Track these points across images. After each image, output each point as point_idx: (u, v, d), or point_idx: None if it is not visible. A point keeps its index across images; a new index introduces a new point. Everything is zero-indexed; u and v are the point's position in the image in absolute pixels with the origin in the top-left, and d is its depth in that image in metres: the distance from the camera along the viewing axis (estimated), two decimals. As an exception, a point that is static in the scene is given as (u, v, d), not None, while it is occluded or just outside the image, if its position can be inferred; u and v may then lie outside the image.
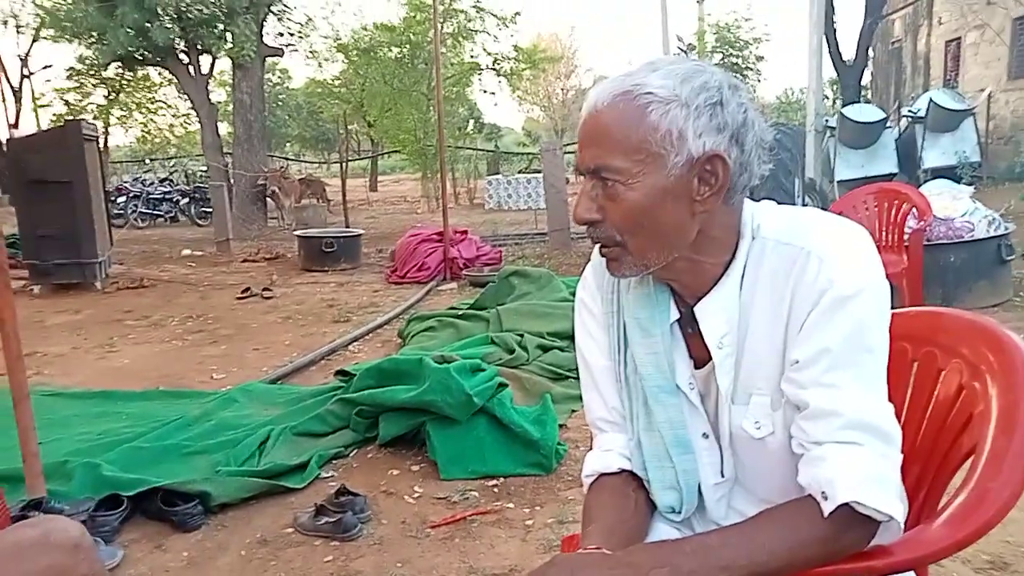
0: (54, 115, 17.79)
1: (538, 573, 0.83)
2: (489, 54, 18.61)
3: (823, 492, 0.85)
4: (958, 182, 5.72)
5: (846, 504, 0.83)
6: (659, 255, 0.92)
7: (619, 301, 1.03)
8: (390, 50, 17.24)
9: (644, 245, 0.91)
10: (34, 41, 17.73)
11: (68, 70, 16.76)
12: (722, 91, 0.88)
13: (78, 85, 17.44)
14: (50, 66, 18.57)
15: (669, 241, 0.91)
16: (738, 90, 0.89)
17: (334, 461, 2.89)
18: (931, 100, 10.83)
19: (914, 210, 3.82)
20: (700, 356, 1.00)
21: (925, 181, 7.02)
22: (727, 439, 0.99)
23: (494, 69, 18.82)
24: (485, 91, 20.15)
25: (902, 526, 0.87)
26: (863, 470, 0.85)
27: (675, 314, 1.00)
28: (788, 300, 0.91)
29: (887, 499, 0.84)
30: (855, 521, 0.85)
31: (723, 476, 1.02)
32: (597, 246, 0.98)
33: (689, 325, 0.99)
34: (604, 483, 1.05)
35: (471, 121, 26.89)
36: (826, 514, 0.85)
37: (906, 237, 3.84)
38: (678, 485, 1.01)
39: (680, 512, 1.03)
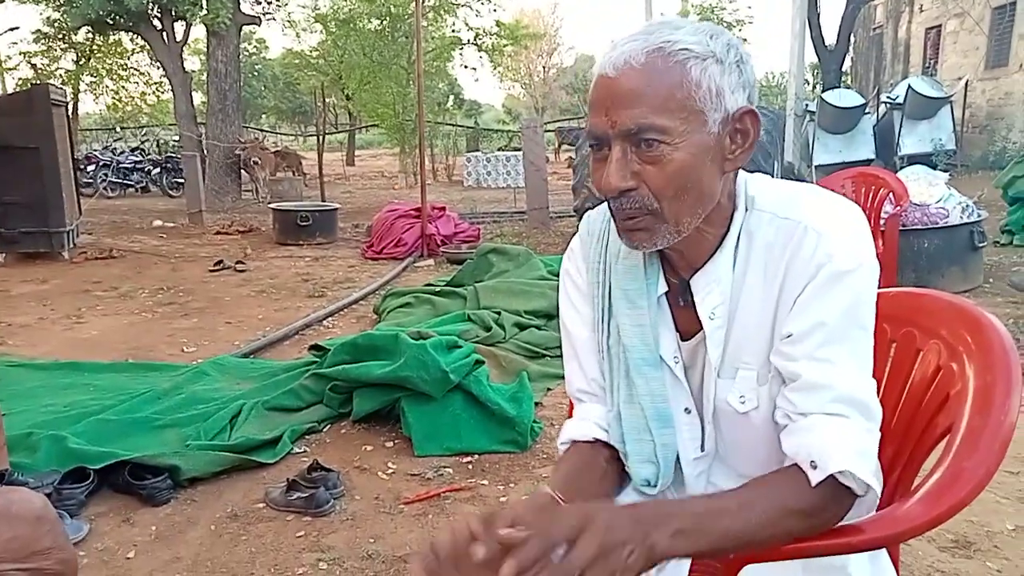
0: (20, 79, 17.26)
1: (549, 512, 0.79)
2: (471, 28, 18.44)
3: (812, 461, 0.84)
4: (934, 169, 5.77)
5: (831, 475, 0.83)
6: (693, 219, 0.89)
7: (606, 272, 1.02)
8: (370, 21, 16.98)
9: (682, 210, 0.87)
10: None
11: (35, 33, 16.24)
12: (741, 50, 0.87)
13: (46, 49, 16.90)
14: (16, 28, 17.96)
15: (704, 203, 0.89)
16: (746, 51, 0.90)
17: (307, 436, 2.87)
18: (910, 87, 10.93)
19: (891, 195, 3.85)
20: (687, 329, 0.98)
21: (902, 167, 7.10)
22: (710, 413, 0.98)
23: (475, 44, 18.65)
24: (466, 66, 19.97)
25: (877, 503, 0.87)
26: (851, 442, 0.84)
27: (663, 287, 0.98)
28: (782, 274, 0.89)
29: (870, 472, 0.84)
30: (839, 493, 0.84)
31: (703, 451, 1.01)
32: (585, 217, 0.96)
33: (679, 296, 0.97)
34: (576, 448, 1.05)
35: (451, 97, 26.65)
36: (814, 483, 0.84)
37: (882, 222, 3.87)
38: (656, 459, 1.01)
39: (655, 486, 1.03)
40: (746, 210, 0.93)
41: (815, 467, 0.84)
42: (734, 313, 0.93)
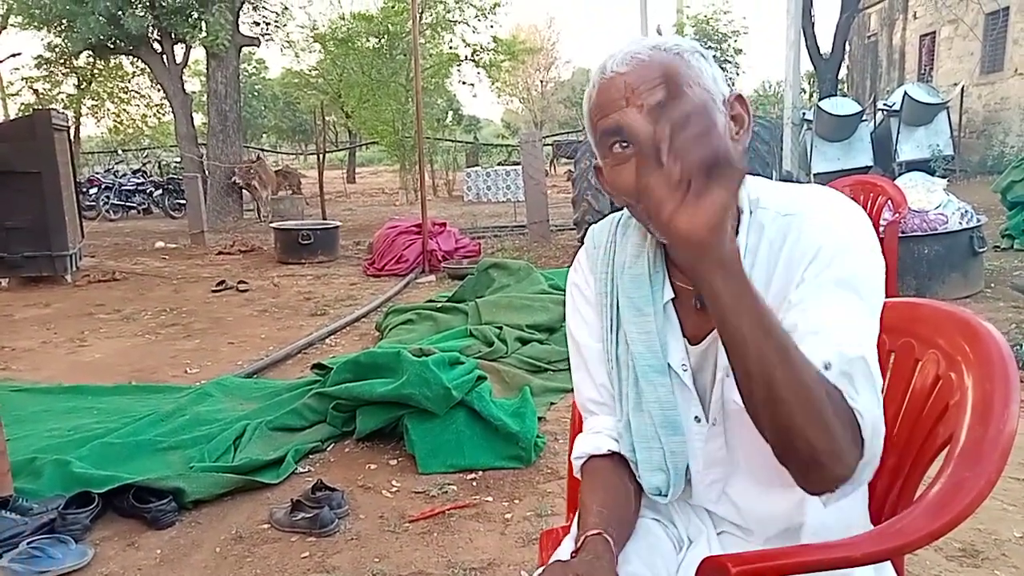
0: (22, 104, 17.43)
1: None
2: (468, 45, 18.59)
3: (826, 363, 0.81)
4: (932, 175, 5.78)
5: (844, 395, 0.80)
6: None
7: (613, 282, 1.03)
8: (368, 40, 17.12)
9: None
10: (1, 29, 17.29)
11: (37, 58, 16.40)
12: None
13: (48, 74, 17.08)
14: (18, 54, 18.16)
15: None
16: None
17: (311, 456, 2.86)
18: (906, 94, 10.97)
19: (889, 202, 3.85)
20: (695, 334, 0.99)
21: (900, 174, 7.11)
22: (720, 416, 0.98)
23: (473, 60, 18.78)
24: (464, 82, 20.11)
25: (871, 458, 0.83)
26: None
27: (669, 293, 0.99)
28: (783, 266, 0.90)
29: (873, 399, 0.82)
30: (853, 421, 0.81)
31: (707, 457, 1.01)
32: (589, 231, 0.99)
33: (687, 301, 0.99)
34: (595, 466, 1.05)
35: (450, 113, 26.77)
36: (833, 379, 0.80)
37: (881, 229, 3.87)
38: (666, 467, 1.01)
39: (667, 495, 1.02)
40: (750, 212, 0.94)
41: (828, 367, 0.80)
42: None
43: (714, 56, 0.96)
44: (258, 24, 15.09)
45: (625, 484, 1.03)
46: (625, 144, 0.88)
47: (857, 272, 0.86)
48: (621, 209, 1.02)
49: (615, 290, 1.03)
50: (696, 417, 1.00)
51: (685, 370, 0.99)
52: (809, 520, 0.97)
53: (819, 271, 0.87)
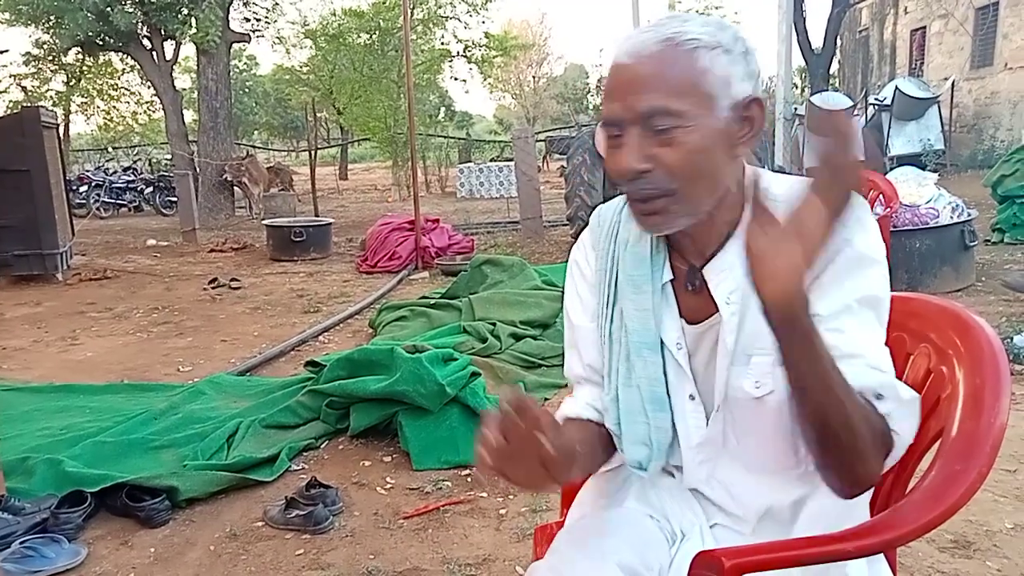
0: (10, 102, 17.25)
1: None
2: (460, 41, 18.55)
3: (878, 393, 0.85)
4: (923, 169, 5.81)
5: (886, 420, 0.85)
6: (708, 202, 0.91)
7: (614, 260, 1.05)
8: (359, 36, 17.06)
9: (699, 191, 0.90)
10: (-11, 25, 17.13)
11: (25, 55, 16.24)
12: (747, 42, 0.91)
13: (36, 71, 16.90)
14: (6, 51, 17.95)
15: (717, 187, 0.91)
16: (752, 44, 0.93)
17: (304, 453, 2.86)
18: (897, 88, 11.02)
19: (881, 197, 3.87)
20: (693, 316, 1.00)
21: (891, 168, 7.14)
22: (719, 399, 0.98)
23: (465, 56, 18.75)
24: (456, 78, 20.08)
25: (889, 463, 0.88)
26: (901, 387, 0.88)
27: (668, 274, 1.00)
28: None
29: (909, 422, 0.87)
30: (885, 438, 0.86)
31: (704, 438, 1.01)
32: (596, 210, 1.00)
33: (687, 282, 0.99)
34: (569, 422, 1.08)
35: (442, 109, 26.72)
36: (882, 411, 0.86)
37: (873, 223, 3.89)
38: (649, 441, 1.02)
39: (647, 469, 1.04)
40: None
41: (880, 398, 0.85)
42: (748, 299, 0.92)
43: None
44: (248, 20, 15.01)
45: (595, 443, 1.05)
46: (617, 134, 0.90)
47: (877, 289, 0.89)
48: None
49: (615, 266, 1.04)
50: (691, 395, 1.01)
51: (680, 348, 1.00)
52: (807, 505, 0.97)
53: (840, 280, 0.88)
